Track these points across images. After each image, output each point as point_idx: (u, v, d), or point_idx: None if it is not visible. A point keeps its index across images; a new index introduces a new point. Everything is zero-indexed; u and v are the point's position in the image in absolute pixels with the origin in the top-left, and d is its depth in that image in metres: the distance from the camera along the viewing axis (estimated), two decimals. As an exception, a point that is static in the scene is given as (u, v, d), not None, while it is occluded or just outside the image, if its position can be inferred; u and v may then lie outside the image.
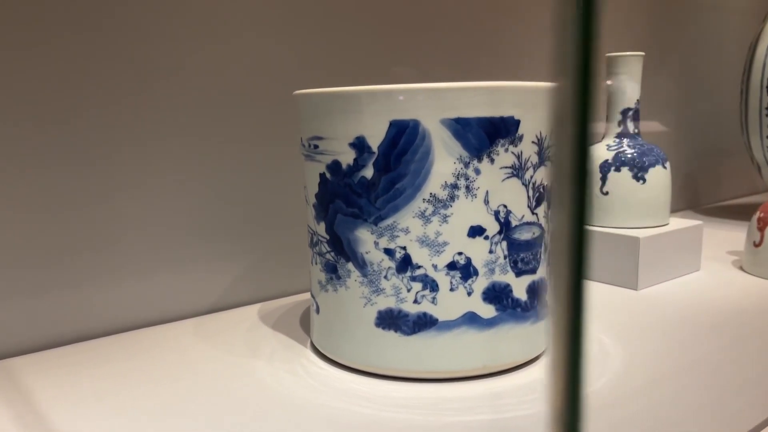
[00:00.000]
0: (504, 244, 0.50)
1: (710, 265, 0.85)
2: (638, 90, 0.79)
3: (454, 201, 0.48)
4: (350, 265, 0.51)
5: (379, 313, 0.50)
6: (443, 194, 0.48)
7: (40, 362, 0.56)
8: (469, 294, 0.50)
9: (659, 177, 0.78)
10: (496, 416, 0.45)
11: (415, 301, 0.50)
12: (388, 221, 0.49)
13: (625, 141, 0.80)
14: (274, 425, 0.44)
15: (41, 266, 0.59)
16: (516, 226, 0.50)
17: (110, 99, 0.61)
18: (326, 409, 0.46)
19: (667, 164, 0.79)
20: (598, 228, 0.79)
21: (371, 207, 0.49)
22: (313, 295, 0.56)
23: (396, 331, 0.50)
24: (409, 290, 0.50)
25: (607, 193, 0.78)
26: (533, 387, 0.49)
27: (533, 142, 0.50)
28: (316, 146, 0.51)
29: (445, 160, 0.48)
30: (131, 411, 0.47)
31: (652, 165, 0.78)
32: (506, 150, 0.49)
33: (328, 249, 0.52)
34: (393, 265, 0.49)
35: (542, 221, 0.53)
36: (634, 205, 0.77)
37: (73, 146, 0.60)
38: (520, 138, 0.49)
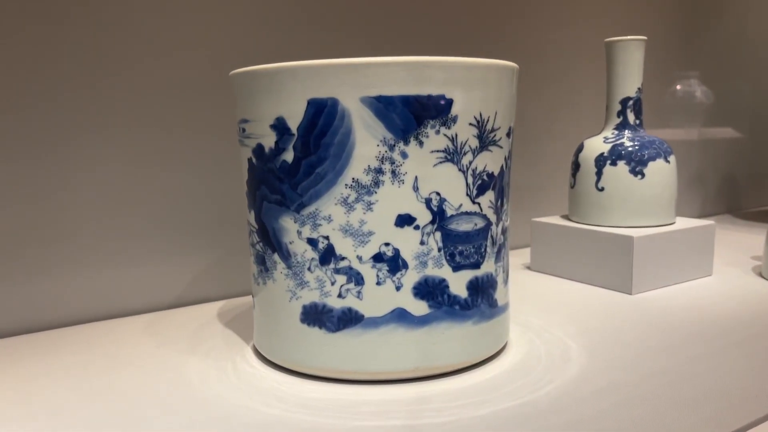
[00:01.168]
0: (438, 234, 0.46)
1: (726, 270, 0.78)
2: (639, 78, 0.73)
3: (378, 187, 0.44)
4: (276, 256, 0.48)
5: (304, 308, 0.47)
6: (366, 179, 0.44)
7: (-20, 352, 0.55)
8: (397, 289, 0.46)
9: (660, 172, 0.71)
10: (410, 422, 0.41)
11: (340, 296, 0.46)
12: (310, 208, 0.45)
13: (625, 133, 0.74)
14: (171, 421, 0.41)
15: (-8, 255, 0.59)
16: (452, 215, 0.46)
17: (65, 88, 0.60)
18: (233, 408, 0.43)
19: (671, 158, 0.73)
20: (592, 226, 0.73)
21: (293, 193, 0.46)
22: (252, 291, 0.53)
23: (320, 327, 0.47)
24: (333, 283, 0.46)
25: (602, 189, 0.72)
26: (466, 393, 0.45)
27: (471, 124, 0.46)
28: (243, 129, 0.49)
29: (367, 142, 0.44)
30: (35, 406, 0.45)
31: (653, 159, 0.71)
32: (437, 132, 0.45)
33: (258, 239, 0.50)
34: (316, 256, 0.46)
35: (487, 212, 0.48)
36: (632, 203, 0.71)
37: (26, 136, 0.59)
38: (454, 119, 0.45)
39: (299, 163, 0.45)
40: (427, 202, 0.45)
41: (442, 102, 0.44)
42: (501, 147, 0.49)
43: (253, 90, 0.47)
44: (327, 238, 0.45)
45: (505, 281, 0.52)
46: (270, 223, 0.48)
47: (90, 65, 0.61)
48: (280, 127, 0.45)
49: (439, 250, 0.46)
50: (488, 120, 0.47)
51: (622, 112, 0.74)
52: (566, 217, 0.78)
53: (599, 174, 0.72)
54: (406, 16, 0.80)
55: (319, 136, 0.44)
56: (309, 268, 0.46)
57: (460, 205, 0.46)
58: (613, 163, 0.72)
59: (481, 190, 0.47)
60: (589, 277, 0.73)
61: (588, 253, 0.72)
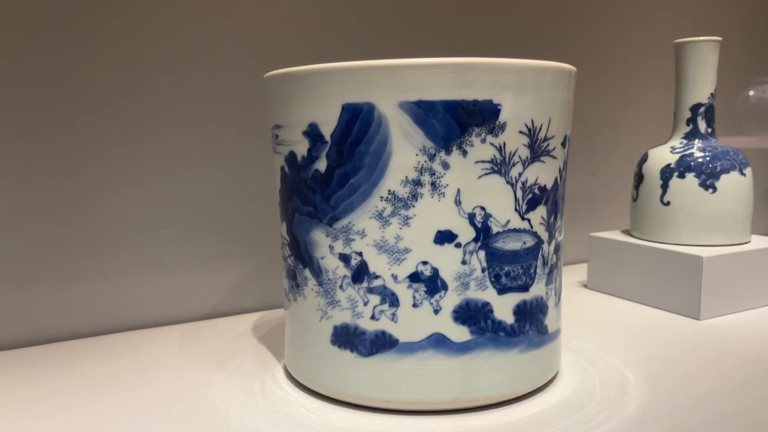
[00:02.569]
0: (482, 253, 0.42)
1: (807, 294, 0.70)
2: (712, 82, 0.67)
3: (417, 200, 0.41)
4: (307, 272, 0.45)
5: (335, 328, 0.44)
6: (404, 192, 0.41)
7: (11, 359, 0.54)
8: (436, 312, 0.42)
9: (734, 185, 0.65)
10: (445, 463, 0.37)
11: (373, 317, 0.42)
12: (343, 222, 0.42)
13: (696, 142, 0.67)
14: (190, 450, 0.39)
15: (31, 261, 0.58)
16: (498, 233, 0.42)
17: (102, 96, 0.59)
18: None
19: (747, 170, 0.66)
20: (656, 244, 0.67)
21: (326, 205, 0.43)
22: (283, 306, 0.50)
23: (352, 350, 0.43)
24: (366, 304, 0.42)
25: (668, 204, 0.66)
26: (508, 429, 0.40)
27: (521, 132, 0.41)
28: (276, 136, 0.46)
29: (405, 151, 0.40)
30: (45, 422, 0.43)
31: (726, 171, 0.65)
32: (483, 141, 0.40)
33: (290, 253, 0.46)
34: (348, 273, 0.43)
35: (538, 229, 0.43)
36: (702, 219, 0.65)
37: (63, 146, 0.58)
38: (502, 127, 0.41)
39: (332, 172, 0.42)
40: (471, 217, 0.41)
41: (490, 108, 0.40)
42: (555, 158, 0.44)
43: (285, 94, 0.44)
44: (360, 254, 0.42)
45: (557, 305, 0.47)
46: (301, 236, 0.45)
47: (127, 73, 0.60)
48: (312, 133, 0.42)
49: (483, 270, 0.42)
50: (541, 128, 0.42)
51: (692, 120, 0.68)
52: (627, 233, 0.73)
53: (665, 187, 0.66)
54: (456, 15, 0.76)
55: (354, 144, 0.41)
56: (341, 286, 0.43)
57: (508, 222, 0.42)
58: (681, 176, 0.66)
59: (532, 205, 0.43)
60: (652, 298, 0.67)
61: (651, 272, 0.67)
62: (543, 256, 0.44)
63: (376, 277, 0.42)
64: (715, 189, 0.65)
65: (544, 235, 0.44)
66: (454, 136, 0.40)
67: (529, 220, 0.43)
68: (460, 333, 0.42)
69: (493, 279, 0.42)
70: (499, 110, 0.40)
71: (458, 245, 0.41)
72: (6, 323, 0.57)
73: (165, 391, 0.47)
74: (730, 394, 0.45)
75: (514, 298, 0.43)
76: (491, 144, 0.41)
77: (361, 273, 0.42)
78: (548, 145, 0.43)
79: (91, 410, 0.44)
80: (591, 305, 0.68)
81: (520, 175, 0.42)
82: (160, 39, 0.61)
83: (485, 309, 0.42)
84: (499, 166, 0.41)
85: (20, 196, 0.57)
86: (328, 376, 0.44)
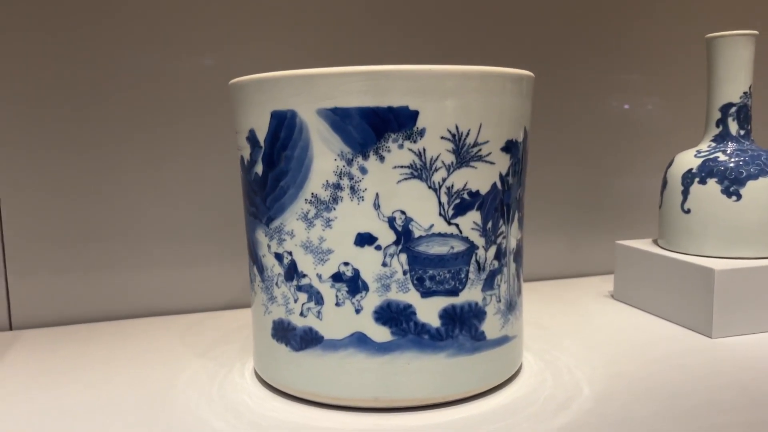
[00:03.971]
0: (403, 256, 0.42)
1: None
2: (746, 80, 0.62)
3: (337, 203, 0.42)
4: (255, 269, 0.48)
5: (274, 323, 0.46)
6: (325, 195, 0.42)
7: (34, 337, 0.62)
8: (357, 311, 0.43)
9: (763, 193, 0.59)
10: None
11: (302, 314, 0.44)
12: (277, 222, 0.45)
13: (725, 146, 0.62)
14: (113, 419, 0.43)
15: (67, 247, 0.66)
16: (421, 236, 0.42)
17: (131, 86, 0.66)
18: (178, 414, 0.44)
19: (782, 177, 0.60)
20: (675, 254, 0.63)
21: (264, 206, 0.45)
22: (256, 299, 0.54)
23: (286, 345, 0.45)
24: (295, 301, 0.45)
25: (688, 211, 0.62)
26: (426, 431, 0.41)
27: (444, 137, 0.42)
28: (236, 141, 0.49)
29: (325, 156, 0.42)
30: (23, 400, 0.49)
31: (753, 177, 0.59)
32: (401, 146, 0.41)
33: (248, 250, 0.50)
34: (282, 271, 0.45)
35: (469, 234, 0.43)
36: (724, 229, 0.60)
37: (95, 137, 0.65)
38: (421, 132, 0.41)
39: (267, 175, 0.45)
40: (390, 221, 0.42)
41: (406, 114, 0.41)
42: (492, 163, 0.44)
43: (235, 101, 0.47)
44: (291, 253, 0.44)
45: (504, 312, 0.46)
46: (250, 235, 0.48)
47: (153, 63, 0.66)
48: (252, 139, 0.45)
49: (405, 273, 0.43)
50: (468, 133, 0.42)
51: (721, 121, 0.63)
52: (656, 242, 0.69)
53: (685, 193, 0.62)
54: (490, 17, 0.75)
55: (281, 149, 0.43)
56: (276, 283, 0.46)
57: (431, 226, 0.42)
58: (702, 181, 0.61)
59: (461, 210, 0.43)
60: (670, 312, 0.63)
61: (669, 285, 0.62)
62: (477, 261, 0.44)
63: (304, 275, 0.44)
64: (739, 196, 0.59)
65: (479, 240, 0.44)
66: (370, 141, 0.41)
67: (457, 225, 0.43)
68: (381, 333, 0.43)
69: (415, 282, 0.43)
70: (416, 116, 0.41)
71: (378, 248, 0.42)
72: (45, 304, 0.66)
73: (139, 368, 0.52)
74: (736, 426, 0.42)
75: (439, 302, 0.43)
76: (409, 149, 0.41)
77: (291, 272, 0.44)
78: (479, 150, 0.43)
79: (60, 390, 0.50)
80: (605, 315, 0.65)
81: (444, 180, 0.42)
82: (186, 40, 0.66)
83: (407, 311, 0.43)
84: (420, 171, 0.42)
85: (58, 190, 0.65)
86: (270, 367, 0.47)
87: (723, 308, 0.57)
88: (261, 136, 0.44)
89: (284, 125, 0.43)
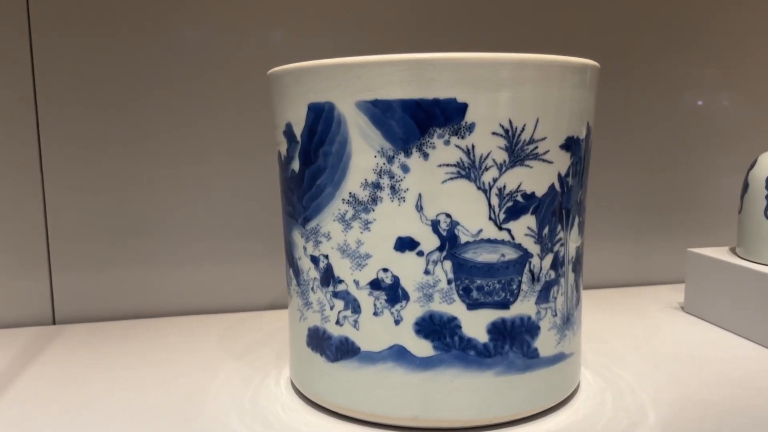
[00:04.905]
0: (447, 264, 0.39)
1: None
2: (843, 72, 0.55)
3: (376, 204, 0.39)
4: (291, 272, 0.45)
5: (309, 330, 0.43)
6: (364, 195, 0.39)
7: (75, 332, 0.61)
8: (396, 323, 0.39)
9: None
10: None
11: (338, 322, 0.41)
12: (313, 223, 0.41)
13: (817, 146, 0.56)
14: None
15: (109, 244, 0.65)
16: (468, 242, 0.38)
17: (178, 84, 0.64)
18: (208, 422, 0.41)
19: None
20: (756, 265, 0.57)
21: (300, 206, 0.42)
22: (294, 302, 0.51)
23: (321, 354, 0.42)
24: (332, 308, 0.41)
25: (772, 218, 0.56)
26: (462, 458, 0.37)
27: (496, 133, 0.38)
28: (275, 136, 0.46)
29: (364, 152, 0.38)
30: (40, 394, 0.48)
31: None
32: (447, 143, 0.37)
33: (285, 252, 0.47)
34: (318, 275, 0.42)
35: (523, 240, 0.39)
36: (814, 238, 0.54)
37: (141, 134, 0.64)
38: (470, 127, 0.37)
39: (304, 172, 0.42)
40: (434, 224, 0.38)
41: (454, 107, 0.37)
42: (549, 162, 0.39)
43: (272, 94, 0.44)
44: (327, 257, 0.41)
45: (560, 327, 0.42)
46: (286, 235, 0.45)
47: (195, 57, 0.64)
48: (289, 133, 0.42)
49: (449, 282, 0.39)
50: (524, 129, 0.38)
51: (813, 118, 0.56)
52: (733, 250, 0.62)
53: (770, 198, 0.56)
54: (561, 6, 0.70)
55: (319, 144, 0.40)
56: (312, 288, 0.43)
57: (480, 231, 0.38)
58: (790, 185, 0.55)
59: (513, 214, 0.39)
60: (746, 329, 0.57)
61: (746, 298, 0.56)
62: (531, 271, 0.40)
63: (340, 281, 0.41)
64: (833, 203, 0.53)
65: (534, 248, 0.40)
66: (413, 137, 0.37)
67: (509, 231, 0.39)
68: (422, 347, 0.39)
69: (461, 292, 0.39)
70: (465, 109, 0.37)
71: (420, 253, 0.39)
72: (87, 300, 0.65)
73: (174, 369, 0.50)
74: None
75: (488, 315, 0.39)
76: (456, 146, 0.37)
77: (327, 276, 0.41)
78: (536, 148, 0.39)
79: (83, 390, 0.48)
80: (672, 330, 0.59)
81: (495, 180, 0.38)
82: (222, 40, 0.64)
83: (451, 324, 0.39)
84: (468, 170, 0.38)
85: (101, 187, 0.64)
86: (305, 377, 0.44)
87: (811, 328, 0.51)
88: (298, 130, 0.41)
89: (321, 119, 0.39)
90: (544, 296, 0.41)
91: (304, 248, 0.42)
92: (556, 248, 0.41)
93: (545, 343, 0.41)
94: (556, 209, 0.40)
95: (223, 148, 0.66)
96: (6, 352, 0.55)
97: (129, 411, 0.44)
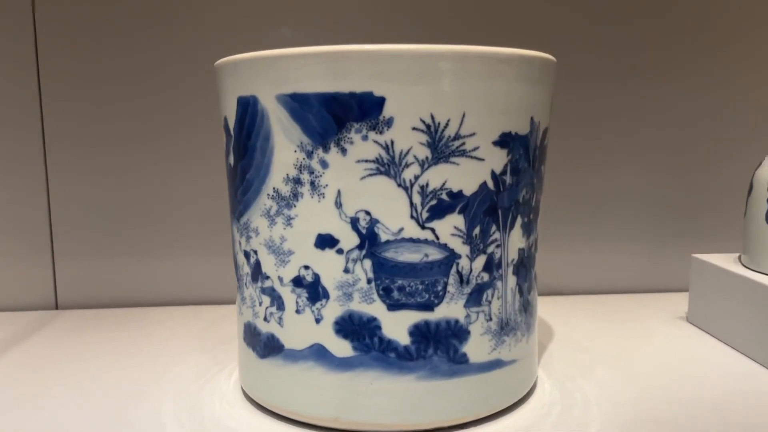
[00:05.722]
0: (367, 263, 0.37)
1: None
2: None
3: (297, 200, 0.38)
4: (233, 266, 0.45)
5: (244, 325, 0.43)
6: (286, 190, 0.38)
7: (75, 317, 0.63)
8: (317, 321, 0.39)
9: None
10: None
11: (265, 319, 0.41)
12: (245, 218, 0.41)
13: (828, 146, 0.51)
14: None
15: (111, 233, 0.67)
16: (388, 241, 0.37)
17: (178, 83, 0.65)
18: (147, 412, 0.42)
19: None
20: (756, 274, 0.52)
21: (235, 200, 0.42)
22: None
23: (253, 350, 0.42)
24: (260, 304, 0.41)
25: (773, 224, 0.51)
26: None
27: (416, 128, 0.36)
28: (225, 130, 0.46)
29: (285, 147, 0.38)
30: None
31: None
32: (365, 138, 0.36)
33: (235, 245, 0.47)
34: (249, 271, 0.42)
35: (449, 240, 0.38)
36: (817, 247, 0.49)
37: (137, 131, 0.66)
38: (388, 122, 0.36)
39: (236, 167, 0.41)
40: (353, 222, 0.37)
41: (371, 101, 0.36)
42: (480, 159, 0.37)
43: (216, 87, 0.44)
44: (256, 252, 0.41)
45: (496, 333, 0.40)
46: (230, 229, 0.45)
47: (197, 54, 0.65)
48: (225, 127, 0.42)
49: (369, 281, 0.38)
50: (447, 124, 0.36)
51: (824, 116, 0.51)
52: (740, 258, 0.58)
53: (771, 202, 0.51)
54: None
55: (246, 139, 0.40)
56: (246, 284, 0.42)
57: (401, 230, 0.37)
58: (792, 189, 0.50)
59: (438, 212, 0.37)
60: (744, 345, 0.52)
61: (745, 311, 0.52)
62: (459, 272, 0.38)
63: (267, 277, 0.40)
64: (838, 209, 0.48)
65: (462, 249, 0.38)
66: (331, 132, 0.36)
67: (432, 230, 0.37)
68: (342, 347, 0.38)
69: (381, 292, 0.38)
70: (383, 103, 0.36)
71: (340, 251, 0.38)
72: (88, 287, 0.67)
73: (144, 357, 0.51)
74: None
75: (410, 317, 0.38)
76: (375, 141, 0.36)
77: (256, 272, 0.41)
78: (462, 144, 0.37)
79: (45, 377, 0.50)
80: (665, 341, 0.56)
81: (417, 177, 0.37)
82: (230, 38, 0.65)
83: (371, 324, 0.38)
84: (387, 166, 0.36)
85: (104, 177, 0.66)
86: (242, 372, 0.44)
87: (804, 346, 0.46)
88: (231, 124, 0.41)
89: (248, 112, 0.39)
90: (475, 299, 0.39)
91: (240, 243, 0.42)
92: (490, 250, 0.39)
93: (477, 348, 0.39)
94: (489, 209, 0.38)
95: (221, 144, 0.66)
96: (11, 333, 0.58)
97: (83, 393, 0.45)
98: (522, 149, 0.39)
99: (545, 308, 0.65)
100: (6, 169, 0.65)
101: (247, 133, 0.39)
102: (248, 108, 0.39)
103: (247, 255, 0.42)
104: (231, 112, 0.41)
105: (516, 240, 0.40)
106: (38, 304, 0.68)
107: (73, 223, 0.67)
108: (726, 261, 0.57)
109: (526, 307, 0.42)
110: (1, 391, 0.46)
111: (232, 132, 0.41)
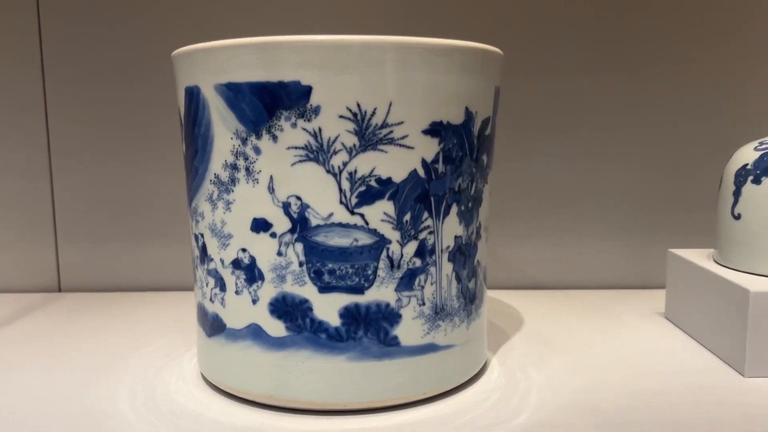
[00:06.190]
0: (299, 246, 0.39)
1: None
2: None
3: (235, 185, 0.40)
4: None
5: (197, 306, 0.45)
6: (225, 176, 0.40)
7: (75, 300, 0.67)
8: (254, 302, 0.40)
9: (836, 199, 0.46)
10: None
11: (211, 300, 0.43)
12: (194, 203, 0.43)
13: (798, 138, 0.50)
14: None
15: (111, 219, 0.70)
16: (319, 225, 0.39)
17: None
18: (103, 388, 0.44)
19: None
20: (722, 269, 0.51)
21: (187, 185, 0.44)
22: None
23: (203, 329, 0.44)
24: (206, 285, 0.43)
25: (738, 217, 0.50)
26: (294, 438, 0.37)
27: (343, 116, 0.37)
28: (188, 120, 0.49)
29: (223, 134, 0.40)
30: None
31: (822, 178, 0.47)
32: (294, 125, 0.38)
33: (196, 231, 0.49)
34: (198, 253, 0.44)
35: (379, 226, 0.39)
36: (780, 241, 0.48)
37: (138, 121, 0.69)
38: (315, 110, 0.37)
39: (186, 154, 0.43)
40: (285, 206, 0.39)
41: (298, 89, 0.37)
42: (409, 147, 0.38)
43: (177, 79, 0.46)
44: (202, 236, 0.43)
45: (430, 317, 0.41)
46: (188, 215, 0.47)
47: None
48: (179, 117, 0.44)
49: (301, 264, 0.39)
50: (374, 112, 0.38)
51: (794, 107, 0.50)
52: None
53: (737, 194, 0.50)
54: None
55: (192, 127, 0.42)
56: (196, 266, 0.44)
57: (331, 215, 0.38)
58: (757, 180, 0.49)
59: (367, 198, 0.38)
60: (708, 340, 0.52)
61: (709, 306, 0.51)
62: (390, 257, 0.39)
63: (211, 260, 0.42)
64: (801, 202, 0.47)
65: (392, 235, 0.39)
66: (263, 119, 0.38)
67: (362, 215, 0.38)
68: (276, 327, 0.40)
69: (312, 275, 0.39)
70: (309, 91, 0.37)
71: (273, 235, 0.39)
72: (89, 271, 0.71)
73: (125, 338, 0.54)
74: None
75: (340, 299, 0.39)
76: (303, 129, 0.38)
77: (203, 254, 0.43)
78: (390, 132, 0.38)
79: (28, 355, 0.53)
80: (630, 338, 0.55)
81: (345, 164, 0.38)
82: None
83: (303, 306, 0.39)
84: (316, 153, 0.38)
85: (105, 165, 0.69)
86: (198, 351, 0.46)
87: (759, 341, 0.46)
88: (182, 113, 0.43)
89: (192, 102, 0.41)
90: (406, 284, 0.40)
91: (191, 227, 0.44)
92: (422, 236, 0.40)
93: (408, 332, 0.40)
94: (420, 196, 0.39)
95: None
96: (13, 312, 0.62)
97: (61, 367, 0.48)
98: (455, 138, 0.40)
99: (520, 301, 0.65)
100: (11, 156, 0.69)
101: (193, 121, 0.41)
102: (192, 97, 0.41)
103: (196, 238, 0.44)
104: (181, 102, 0.43)
105: (451, 227, 0.41)
106: (42, 287, 0.71)
107: (76, 210, 0.70)
108: (699, 256, 0.57)
109: (466, 294, 0.43)
110: (-19, 364, 0.49)
111: (182, 121, 0.43)
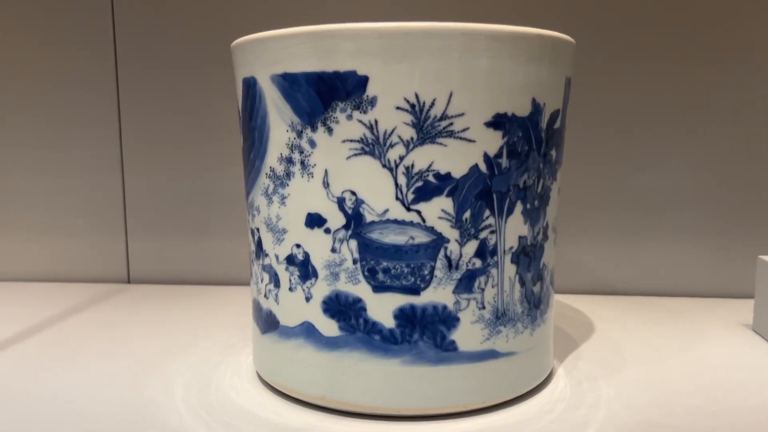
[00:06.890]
0: (353, 243, 0.37)
1: None
2: None
3: (290, 179, 0.39)
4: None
5: (253, 302, 0.45)
6: (280, 169, 0.39)
7: (144, 291, 0.68)
8: (307, 299, 0.39)
9: None
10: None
11: (265, 296, 0.42)
12: (251, 197, 0.43)
13: None
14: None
15: (179, 213, 0.71)
16: (374, 222, 0.37)
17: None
18: (162, 381, 0.44)
19: None
20: None
21: (245, 179, 0.44)
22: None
23: (258, 325, 0.43)
24: (261, 281, 0.42)
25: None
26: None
27: (400, 108, 0.36)
28: (248, 113, 0.48)
29: (279, 126, 0.39)
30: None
31: None
32: (349, 117, 0.36)
33: (255, 225, 0.48)
34: (254, 248, 0.43)
35: (437, 224, 0.37)
36: None
37: (206, 123, 0.69)
38: (371, 101, 0.36)
39: (244, 147, 0.43)
40: (340, 202, 0.37)
41: (354, 80, 0.36)
42: (470, 141, 0.36)
43: (238, 71, 0.46)
44: (258, 230, 0.42)
45: (491, 322, 0.38)
46: (246, 209, 0.47)
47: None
48: (238, 111, 0.44)
49: (355, 262, 0.38)
50: (433, 103, 0.36)
51: None
52: (810, 260, 0.52)
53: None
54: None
55: (249, 119, 0.41)
56: (252, 261, 0.44)
57: (386, 211, 0.37)
58: None
59: (424, 194, 0.37)
60: None
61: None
62: (448, 257, 0.37)
63: (266, 255, 0.41)
64: None
65: (450, 233, 0.37)
66: (318, 111, 0.37)
67: (418, 212, 0.37)
68: (329, 327, 0.39)
69: (366, 273, 0.37)
70: (366, 82, 0.36)
71: (327, 231, 0.38)
72: (158, 263, 0.72)
73: (188, 333, 0.54)
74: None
75: (395, 299, 0.37)
76: (359, 121, 0.36)
77: (259, 250, 0.42)
78: (450, 124, 0.36)
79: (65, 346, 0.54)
80: (712, 351, 0.51)
81: (402, 158, 0.36)
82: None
83: (356, 305, 0.38)
84: (372, 146, 0.36)
85: (176, 160, 0.70)
86: (253, 347, 0.45)
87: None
88: (240, 105, 0.42)
89: (249, 93, 0.40)
90: (465, 286, 0.38)
91: (248, 221, 0.44)
92: (483, 235, 0.38)
93: (467, 336, 0.38)
94: (482, 193, 0.37)
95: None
96: (86, 302, 0.64)
97: (118, 357, 0.48)
98: (521, 131, 0.38)
99: (595, 307, 0.62)
100: (85, 151, 0.71)
101: (249, 113, 0.41)
102: (249, 89, 0.40)
103: (252, 233, 0.43)
104: (239, 94, 0.42)
105: (515, 227, 0.39)
106: (112, 278, 0.73)
107: (146, 204, 0.72)
108: (795, 263, 0.52)
109: (530, 298, 0.40)
110: (62, 348, 0.50)
111: (240, 113, 0.42)
